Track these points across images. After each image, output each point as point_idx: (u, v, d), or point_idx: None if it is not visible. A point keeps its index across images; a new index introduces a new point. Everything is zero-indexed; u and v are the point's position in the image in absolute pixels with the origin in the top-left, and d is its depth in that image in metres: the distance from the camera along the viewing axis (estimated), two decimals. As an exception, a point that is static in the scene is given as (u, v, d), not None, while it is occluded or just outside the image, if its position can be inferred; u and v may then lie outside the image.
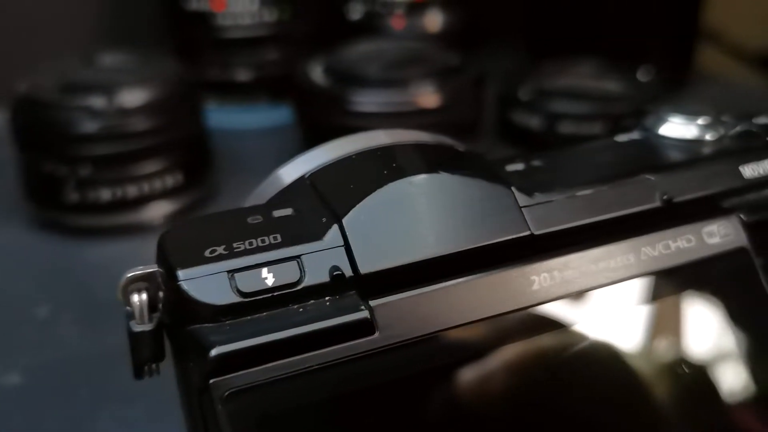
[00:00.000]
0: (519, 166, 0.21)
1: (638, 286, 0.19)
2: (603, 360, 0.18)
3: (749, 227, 0.20)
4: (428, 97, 0.41)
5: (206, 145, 0.43)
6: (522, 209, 0.19)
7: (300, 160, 0.21)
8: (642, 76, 0.49)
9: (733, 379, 0.19)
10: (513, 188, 0.19)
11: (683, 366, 0.19)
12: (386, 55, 0.43)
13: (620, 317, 0.18)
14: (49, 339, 0.32)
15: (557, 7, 0.58)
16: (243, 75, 0.49)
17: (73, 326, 0.32)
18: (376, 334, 0.16)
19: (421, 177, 0.18)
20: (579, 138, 0.45)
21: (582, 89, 0.48)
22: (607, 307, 0.18)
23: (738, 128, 0.23)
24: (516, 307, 0.17)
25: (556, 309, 0.18)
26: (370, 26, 0.54)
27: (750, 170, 0.21)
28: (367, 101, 0.40)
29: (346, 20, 0.54)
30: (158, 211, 0.39)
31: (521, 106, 0.46)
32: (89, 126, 0.36)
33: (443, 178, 0.19)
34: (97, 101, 0.37)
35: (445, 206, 0.18)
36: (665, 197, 0.20)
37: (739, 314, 0.19)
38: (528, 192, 0.19)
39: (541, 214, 0.19)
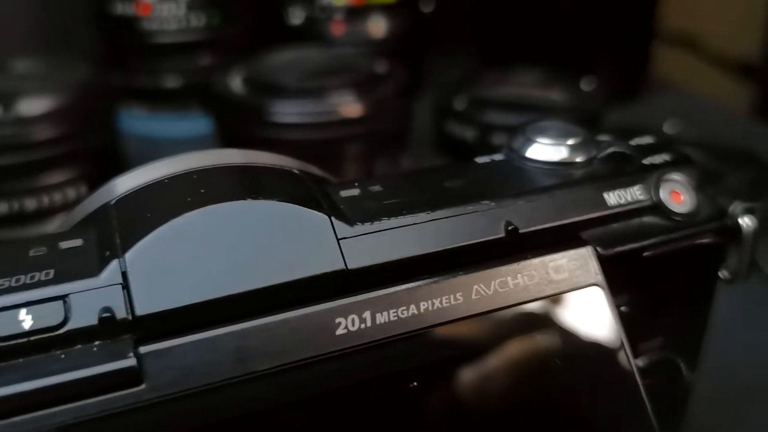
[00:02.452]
0: (355, 192, 0.19)
1: (465, 331, 0.17)
2: (418, 417, 0.16)
3: (607, 261, 0.18)
4: (349, 106, 0.39)
5: (119, 156, 0.41)
6: (340, 241, 0.17)
7: (120, 179, 0.19)
8: (585, 85, 0.47)
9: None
10: (332, 218, 0.17)
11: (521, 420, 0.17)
12: (308, 63, 0.41)
13: (440, 367, 0.16)
14: None
15: (510, 15, 0.56)
16: (172, 82, 0.47)
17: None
18: (143, 386, 0.15)
19: (227, 206, 0.17)
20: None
21: (520, 99, 0.46)
22: (425, 356, 0.16)
23: (610, 150, 0.21)
24: (314, 355, 0.16)
25: (360, 358, 0.16)
26: (311, 32, 0.52)
27: (615, 197, 0.19)
28: (285, 112, 0.38)
29: (287, 25, 0.52)
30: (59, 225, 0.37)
31: (456, 117, 0.44)
32: (-16, 136, 0.35)
33: (253, 206, 0.17)
34: (-7, 110, 0.35)
35: (250, 238, 0.16)
36: (510, 227, 0.18)
37: (585, 361, 0.18)
38: (351, 222, 0.17)
39: (362, 246, 0.17)
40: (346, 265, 0.17)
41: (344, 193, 0.19)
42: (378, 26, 0.52)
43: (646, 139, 0.22)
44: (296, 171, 0.19)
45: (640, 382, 0.18)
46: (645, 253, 0.19)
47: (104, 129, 0.40)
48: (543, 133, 0.21)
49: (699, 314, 0.21)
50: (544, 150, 0.20)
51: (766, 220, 0.37)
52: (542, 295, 0.17)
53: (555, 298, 0.17)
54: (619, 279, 0.19)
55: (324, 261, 0.16)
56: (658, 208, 0.20)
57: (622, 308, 0.20)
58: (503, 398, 0.17)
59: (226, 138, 0.41)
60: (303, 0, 0.51)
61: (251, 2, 0.51)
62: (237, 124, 0.40)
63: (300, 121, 0.39)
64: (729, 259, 0.21)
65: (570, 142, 0.20)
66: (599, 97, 0.47)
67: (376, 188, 0.19)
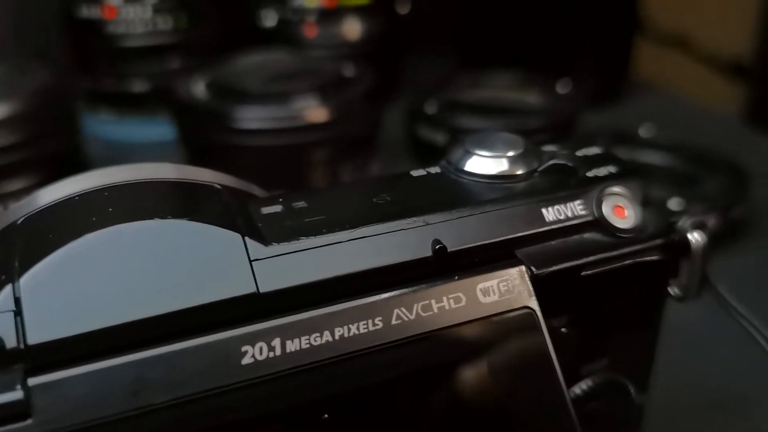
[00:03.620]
0: (277, 208, 0.18)
1: (383, 359, 0.16)
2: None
3: (542, 281, 0.17)
4: (313, 111, 0.38)
5: (83, 161, 0.40)
6: (252, 263, 0.16)
7: (41, 193, 0.18)
8: (561, 88, 0.47)
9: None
10: (246, 238, 0.16)
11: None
12: (273, 67, 0.40)
13: (354, 399, 0.16)
14: None
15: (489, 16, 0.55)
16: (139, 86, 0.46)
17: None
18: (30, 420, 0.14)
19: (131, 226, 0.16)
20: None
21: (493, 103, 0.45)
22: (339, 386, 0.15)
23: (551, 162, 0.20)
24: (216, 386, 0.15)
25: (267, 389, 0.15)
26: (284, 34, 0.51)
27: (554, 213, 0.18)
28: (247, 117, 0.38)
29: (260, 28, 0.52)
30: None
31: (427, 121, 0.44)
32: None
33: (159, 226, 0.16)
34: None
35: (155, 261, 0.15)
36: (438, 246, 0.17)
37: (514, 389, 0.17)
38: (267, 241, 0.16)
39: (276, 268, 0.16)
40: (257, 288, 0.16)
41: (266, 210, 0.18)
42: (352, 28, 0.51)
43: (593, 150, 0.21)
44: (218, 187, 0.18)
45: (571, 410, 0.17)
46: (584, 272, 0.18)
47: (66, 134, 0.39)
48: (482, 144, 0.20)
49: (648, 333, 0.21)
50: (483, 163, 0.19)
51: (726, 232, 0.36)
52: (469, 319, 0.16)
53: (483, 323, 0.16)
54: (557, 299, 0.18)
55: (234, 284, 0.16)
56: (599, 224, 0.19)
57: (563, 329, 0.19)
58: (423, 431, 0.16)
59: (189, 145, 0.40)
60: (275, 2, 0.50)
61: (223, 5, 0.50)
62: (199, 131, 0.39)
63: (263, 126, 0.38)
64: (679, 276, 0.20)
65: (510, 154, 0.19)
66: (575, 99, 0.46)
67: (301, 204, 0.18)
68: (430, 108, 0.44)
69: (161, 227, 0.16)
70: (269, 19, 0.51)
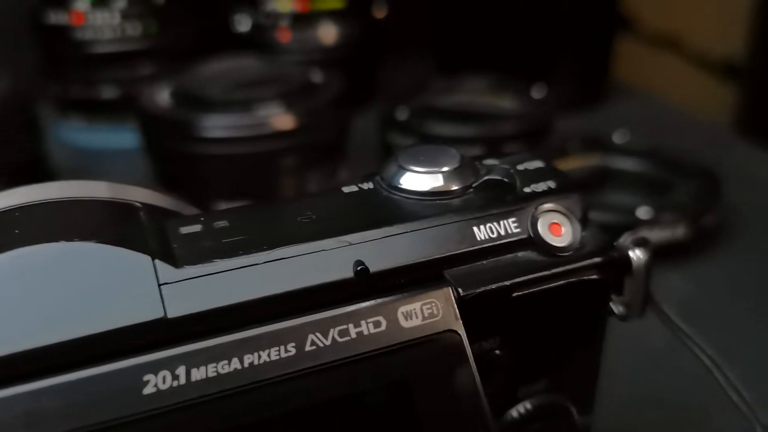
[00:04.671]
0: (196, 228, 0.17)
1: (296, 387, 0.15)
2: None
3: (470, 303, 0.17)
4: (278, 118, 0.37)
5: (48, 170, 0.40)
6: (161, 286, 0.15)
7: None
8: (536, 93, 0.46)
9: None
10: (156, 260, 0.15)
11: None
12: (239, 74, 0.39)
13: (266, 428, 0.15)
14: None
15: (467, 19, 0.55)
16: (109, 93, 0.46)
17: None
18: None
19: (35, 249, 0.15)
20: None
21: (466, 108, 0.44)
22: (246, 417, 0.15)
23: (487, 177, 0.19)
24: (115, 417, 0.14)
25: (170, 420, 0.14)
26: (258, 39, 0.50)
27: (486, 231, 0.18)
28: (210, 126, 0.37)
29: (234, 33, 0.51)
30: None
31: (398, 127, 0.43)
32: None
33: (65, 249, 0.15)
34: None
35: (58, 286, 0.15)
36: (360, 267, 0.16)
37: (439, 417, 0.16)
38: (179, 264, 0.16)
39: (187, 292, 0.15)
40: (165, 313, 0.15)
41: (184, 230, 0.17)
42: (327, 33, 0.51)
43: (535, 164, 0.20)
44: (138, 205, 0.18)
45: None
46: (517, 293, 0.17)
47: (29, 142, 0.39)
48: (415, 159, 0.19)
49: (590, 353, 0.20)
50: (415, 179, 0.19)
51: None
52: (389, 344, 0.16)
53: (404, 348, 0.16)
54: (488, 320, 0.18)
55: (141, 309, 0.15)
56: (533, 242, 0.18)
57: (496, 351, 0.18)
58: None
59: (154, 155, 0.39)
60: (249, 6, 0.50)
61: (197, 10, 0.50)
62: (163, 140, 0.38)
63: (226, 135, 0.37)
64: (622, 295, 0.20)
65: (445, 169, 0.19)
66: (550, 104, 0.45)
67: (222, 224, 0.17)
68: (402, 114, 0.43)
69: (66, 250, 0.15)
70: (243, 24, 0.50)
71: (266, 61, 0.42)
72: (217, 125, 0.37)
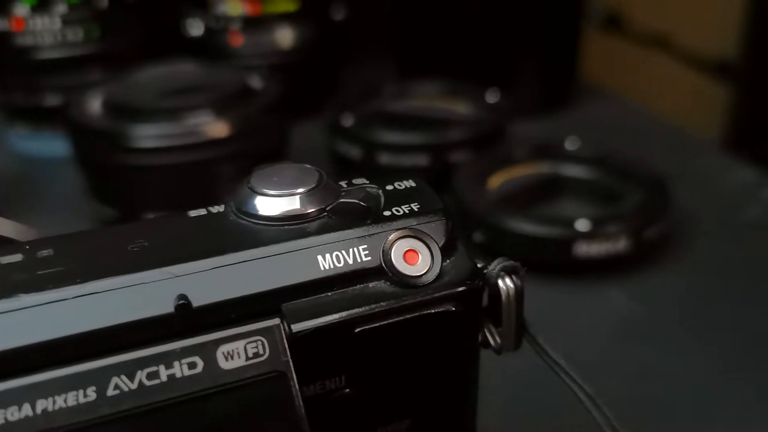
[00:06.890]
0: (17, 258, 0.16)
1: (93, 435, 0.14)
2: None
3: (301, 341, 0.15)
4: (209, 127, 0.36)
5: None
6: (-45, 327, 0.14)
7: None
8: (490, 97, 0.44)
9: None
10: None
11: None
12: (172, 81, 0.38)
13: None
14: None
15: (427, 22, 0.53)
16: (52, 99, 0.45)
17: None
18: None
19: None
20: (400, 170, 0.40)
21: (417, 114, 0.43)
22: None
23: (341, 200, 0.18)
24: None
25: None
26: (210, 43, 0.49)
27: (332, 260, 0.16)
28: (139, 135, 0.36)
29: (186, 37, 0.50)
30: None
31: (343, 134, 0.42)
32: None
33: None
34: None
35: None
36: (181, 302, 0.15)
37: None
38: (-20, 300, 0.14)
39: (-18, 332, 0.14)
40: (-47, 356, 0.14)
41: (2, 261, 0.16)
42: (281, 36, 0.49)
43: (405, 184, 0.19)
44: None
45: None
46: (360, 327, 0.16)
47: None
48: (266, 181, 0.18)
49: (460, 390, 0.18)
50: (266, 202, 0.17)
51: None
52: (203, 388, 0.14)
53: (221, 393, 0.15)
54: (331, 358, 0.16)
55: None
56: (384, 272, 0.17)
57: (346, 390, 0.17)
58: None
59: (85, 166, 0.38)
60: (200, 10, 0.49)
61: (146, 14, 0.49)
62: (93, 151, 0.37)
63: (155, 145, 0.36)
64: (495, 326, 0.18)
65: (299, 191, 0.17)
66: (504, 110, 0.44)
67: (46, 253, 0.16)
68: (347, 120, 0.42)
69: None
70: (195, 28, 0.49)
71: (204, 66, 0.41)
72: (145, 135, 0.36)
